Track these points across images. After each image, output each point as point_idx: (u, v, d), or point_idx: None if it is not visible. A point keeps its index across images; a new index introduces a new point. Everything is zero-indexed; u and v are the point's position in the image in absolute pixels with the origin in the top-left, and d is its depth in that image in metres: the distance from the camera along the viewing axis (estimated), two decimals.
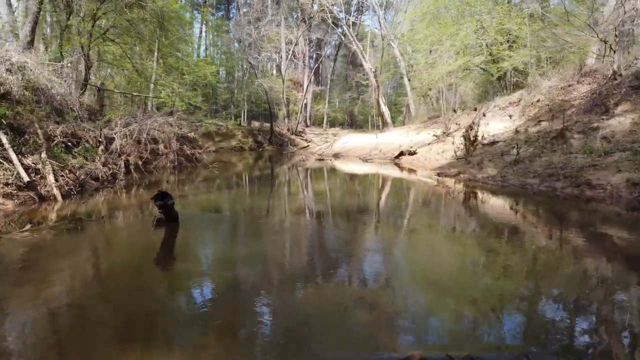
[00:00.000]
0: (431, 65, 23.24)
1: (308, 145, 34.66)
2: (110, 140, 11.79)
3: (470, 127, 14.46)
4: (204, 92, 34.43)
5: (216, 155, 29.23)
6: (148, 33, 20.64)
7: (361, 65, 48.16)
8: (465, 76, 21.16)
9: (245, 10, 43.10)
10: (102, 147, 11.37)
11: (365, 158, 21.26)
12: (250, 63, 36.31)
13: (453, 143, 15.32)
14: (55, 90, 11.72)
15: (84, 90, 17.86)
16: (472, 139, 14.76)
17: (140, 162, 12.88)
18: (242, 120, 41.68)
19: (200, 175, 15.21)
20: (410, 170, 16.22)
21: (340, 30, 38.99)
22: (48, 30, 17.55)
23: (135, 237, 6.30)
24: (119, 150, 11.88)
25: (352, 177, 15.86)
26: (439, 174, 13.03)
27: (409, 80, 30.22)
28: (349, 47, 47.62)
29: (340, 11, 34.66)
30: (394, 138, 24.09)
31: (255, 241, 6.03)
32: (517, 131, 15.21)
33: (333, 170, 18.29)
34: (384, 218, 7.77)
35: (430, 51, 27.09)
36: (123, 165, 11.75)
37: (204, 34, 42.69)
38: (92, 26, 17.23)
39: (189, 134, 16.02)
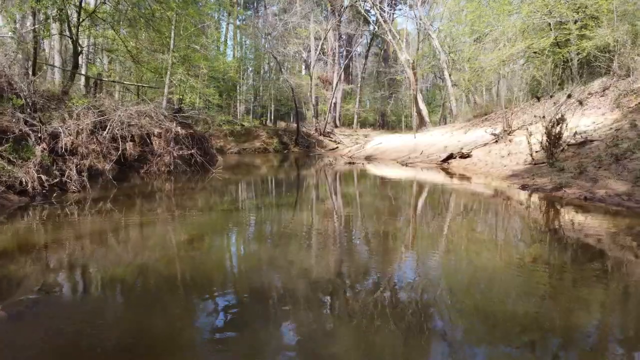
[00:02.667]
0: (483, 51, 18.69)
1: (337, 147, 30.64)
2: (55, 137, 8.04)
3: (558, 121, 10.03)
4: (226, 88, 30.81)
5: (239, 157, 25.81)
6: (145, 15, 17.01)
7: (395, 61, 43.77)
8: (526, 63, 16.53)
9: (274, 8, 39.41)
10: (42, 145, 7.62)
11: (404, 161, 17.01)
12: (275, 58, 32.44)
13: (529, 143, 10.92)
14: None
15: (72, 79, 14.44)
16: (555, 137, 10.35)
17: (107, 167, 9.11)
18: (267, 120, 38.00)
19: (203, 183, 11.41)
20: (463, 178, 11.96)
21: (373, 18, 34.60)
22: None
23: None
24: (68, 149, 8.12)
25: (395, 188, 11.68)
26: (523, 187, 8.65)
27: (450, 74, 25.66)
28: (382, 41, 43.34)
29: (373, 5, 30.38)
30: (437, 138, 19.74)
31: None
32: (617, 127, 10.70)
33: (368, 177, 14.16)
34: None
35: (476, 39, 22.58)
36: (75, 170, 7.97)
37: (230, 32, 39.14)
38: (80, 3, 13.74)
39: (179, 130, 12.12)
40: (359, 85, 41.10)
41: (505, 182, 10.12)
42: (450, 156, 14.65)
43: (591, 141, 10.49)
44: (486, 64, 17.21)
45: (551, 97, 16.54)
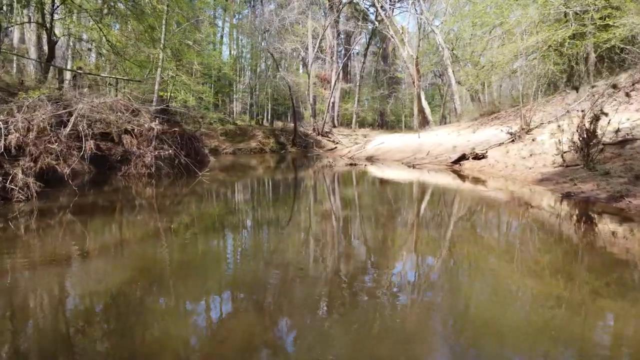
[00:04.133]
0: (493, 45, 17.10)
1: (335, 147, 29.08)
2: None
3: (597, 117, 8.44)
4: (220, 86, 29.14)
5: (233, 158, 24.25)
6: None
7: (395, 59, 42.18)
8: (542, 57, 14.90)
9: (271, 6, 37.66)
10: None
11: (411, 163, 15.45)
12: (271, 54, 30.80)
13: (559, 142, 9.35)
14: None
15: (46, 71, 12.83)
16: (589, 135, 8.79)
17: (67, 170, 7.47)
18: (264, 120, 36.37)
19: (187, 187, 9.83)
20: (479, 181, 10.42)
21: (372, 16, 32.92)
22: None
23: None
24: (12, 149, 6.48)
25: (408, 194, 10.10)
26: (567, 195, 7.00)
27: (453, 71, 24.08)
28: (380, 40, 41.74)
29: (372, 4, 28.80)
30: (443, 138, 18.18)
31: None
32: None
33: (373, 181, 12.56)
34: None
35: (484, 32, 21.02)
36: (21, 174, 6.33)
37: (226, 29, 37.31)
38: None
39: (154, 126, 10.48)
40: (357, 84, 39.43)
41: (535, 187, 8.54)
42: (463, 157, 13.08)
43: (633, 140, 8.93)
44: (498, 58, 15.60)
45: (560, 92, 15.03)
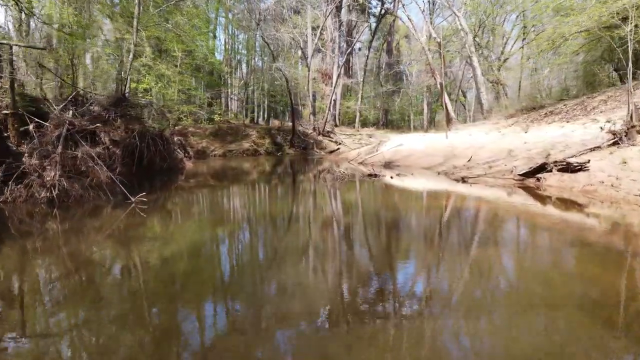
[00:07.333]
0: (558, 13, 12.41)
1: (338, 148, 24.32)
2: None
3: None
4: (210, 82, 24.27)
5: (223, 161, 19.69)
6: None
7: (399, 58, 37.48)
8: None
9: (269, 4, 32.74)
10: None
11: (450, 171, 10.72)
12: (267, 44, 25.91)
13: None
14: None
15: None
16: None
17: None
18: (259, 119, 31.51)
19: (98, 233, 5.17)
20: (579, 208, 5.84)
21: (375, 6, 27.99)
22: None
23: None
24: None
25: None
26: None
27: (479, 60, 19.38)
28: (382, 36, 36.91)
29: None
30: (480, 139, 13.51)
31: None
32: None
33: (427, 210, 7.83)
34: None
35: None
36: None
37: (221, 17, 32.27)
38: None
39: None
40: (362, 79, 34.41)
41: None
42: (541, 167, 8.37)
43: None
44: (565, 29, 10.88)
45: None
